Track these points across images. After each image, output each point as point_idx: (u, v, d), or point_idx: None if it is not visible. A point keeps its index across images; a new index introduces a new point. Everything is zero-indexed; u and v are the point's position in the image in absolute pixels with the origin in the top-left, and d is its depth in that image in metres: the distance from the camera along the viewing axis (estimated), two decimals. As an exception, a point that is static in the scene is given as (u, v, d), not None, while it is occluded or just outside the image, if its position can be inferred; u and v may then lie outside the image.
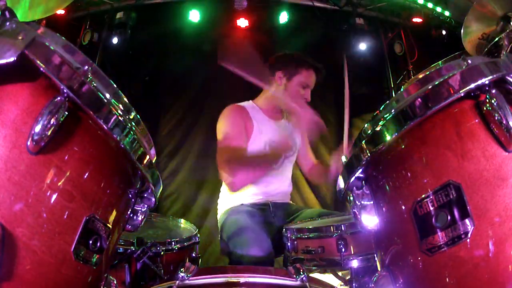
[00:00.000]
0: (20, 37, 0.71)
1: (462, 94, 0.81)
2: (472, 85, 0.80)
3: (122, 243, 1.55)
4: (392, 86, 4.89)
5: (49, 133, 0.73)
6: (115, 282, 1.02)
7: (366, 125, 0.95)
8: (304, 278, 1.10)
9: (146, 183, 0.98)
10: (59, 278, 0.78)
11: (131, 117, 0.90)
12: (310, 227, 1.78)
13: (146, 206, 1.04)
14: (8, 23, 0.75)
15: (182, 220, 2.13)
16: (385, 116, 0.89)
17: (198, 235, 1.88)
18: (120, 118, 0.82)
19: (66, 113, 0.75)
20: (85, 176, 0.81)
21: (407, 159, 0.88)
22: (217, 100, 3.32)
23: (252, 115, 2.37)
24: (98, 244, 0.84)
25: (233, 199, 2.40)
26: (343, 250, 1.61)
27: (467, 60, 0.84)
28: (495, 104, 0.79)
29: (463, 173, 0.80)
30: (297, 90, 2.36)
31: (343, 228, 1.65)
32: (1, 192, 0.71)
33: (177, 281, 1.08)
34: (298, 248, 1.75)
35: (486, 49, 1.26)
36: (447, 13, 4.57)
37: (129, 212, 0.99)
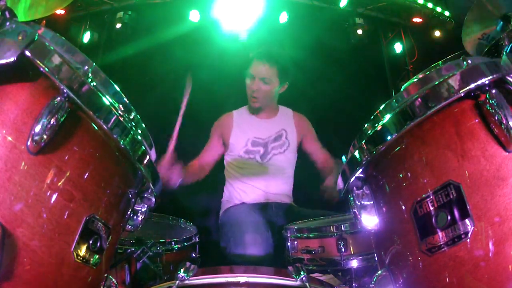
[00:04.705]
0: (20, 37, 0.71)
1: (462, 94, 0.81)
2: (472, 85, 0.81)
3: (122, 243, 1.55)
4: (392, 86, 4.88)
5: (49, 133, 0.73)
6: (115, 282, 1.02)
7: (366, 125, 0.95)
8: (304, 278, 1.10)
9: (146, 183, 0.98)
10: (59, 278, 0.78)
11: (131, 117, 0.90)
12: (310, 227, 1.78)
13: (146, 206, 1.04)
14: (8, 23, 0.75)
15: (182, 220, 2.13)
16: (385, 116, 0.89)
17: (198, 235, 1.89)
18: (120, 118, 0.82)
19: (66, 113, 0.75)
20: (85, 176, 0.81)
21: (407, 159, 0.88)
22: (217, 101, 3.32)
23: (235, 120, 2.50)
24: (98, 244, 0.84)
25: (234, 198, 2.41)
26: (343, 250, 1.62)
27: (467, 60, 0.84)
28: (495, 104, 0.79)
29: (463, 173, 0.80)
30: (247, 83, 2.41)
31: (343, 228, 1.65)
32: (1, 192, 0.71)
33: (177, 281, 1.09)
34: (298, 248, 1.75)
35: (486, 49, 1.26)
36: (447, 13, 4.57)
37: (129, 212, 1.00)
